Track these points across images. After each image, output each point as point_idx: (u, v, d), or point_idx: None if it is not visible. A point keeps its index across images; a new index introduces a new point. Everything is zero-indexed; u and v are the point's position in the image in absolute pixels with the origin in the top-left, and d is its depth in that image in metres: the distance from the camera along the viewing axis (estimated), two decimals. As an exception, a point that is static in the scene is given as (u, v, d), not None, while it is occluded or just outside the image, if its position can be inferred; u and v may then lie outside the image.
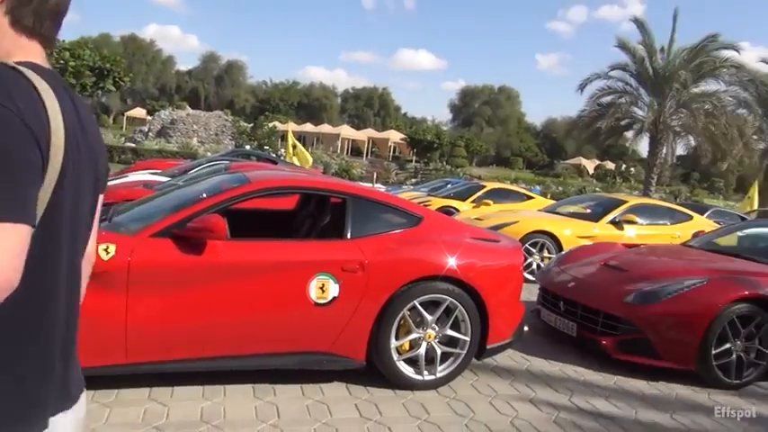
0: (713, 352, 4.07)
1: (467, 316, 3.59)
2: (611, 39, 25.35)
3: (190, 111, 35.45)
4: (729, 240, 6.22)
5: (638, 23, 22.03)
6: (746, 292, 4.15)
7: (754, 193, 21.55)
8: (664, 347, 4.15)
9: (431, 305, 3.55)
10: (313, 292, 3.30)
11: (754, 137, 24.58)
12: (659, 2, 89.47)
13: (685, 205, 16.60)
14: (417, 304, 3.49)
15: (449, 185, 14.16)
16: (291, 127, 32.40)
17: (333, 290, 3.33)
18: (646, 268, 4.79)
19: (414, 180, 28.22)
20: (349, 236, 3.49)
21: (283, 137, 27.77)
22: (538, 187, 22.47)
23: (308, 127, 52.43)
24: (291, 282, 3.25)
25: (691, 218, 8.53)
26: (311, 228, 3.98)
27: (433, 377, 3.59)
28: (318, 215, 4.00)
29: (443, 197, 11.66)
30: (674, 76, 20.81)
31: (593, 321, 4.46)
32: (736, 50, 21.28)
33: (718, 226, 7.83)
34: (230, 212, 3.36)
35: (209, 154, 21.66)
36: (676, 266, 4.82)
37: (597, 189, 33.88)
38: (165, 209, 3.45)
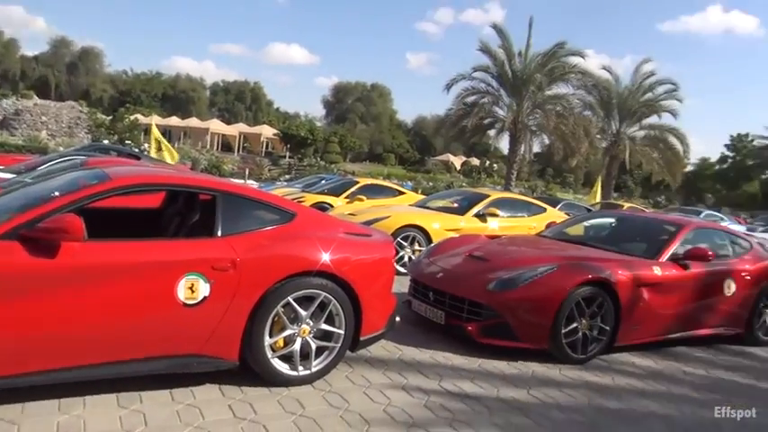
0: (563, 331, 4.50)
1: (341, 310, 3.66)
2: (476, 41, 26.94)
3: (38, 101, 32.24)
4: (577, 230, 6.89)
5: (497, 29, 23.54)
6: (590, 276, 4.63)
7: (598, 187, 23.95)
8: (521, 330, 4.51)
9: (305, 300, 3.56)
10: (181, 292, 3.18)
11: (598, 136, 27.30)
12: (519, 8, 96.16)
13: (541, 199, 18.02)
14: (291, 300, 3.49)
15: (323, 181, 14.19)
16: (156, 120, 30.59)
17: (203, 290, 3.24)
18: (505, 257, 5.16)
19: (287, 176, 27.89)
20: (219, 233, 3.41)
21: (146, 131, 26.18)
22: (410, 183, 23.24)
23: (175, 121, 49.82)
24: (158, 283, 3.11)
25: (545, 210, 9.30)
26: (179, 226, 3.83)
27: (308, 372, 3.61)
28: (186, 213, 3.86)
29: (317, 193, 11.69)
30: (531, 79, 22.50)
31: (460, 309, 4.73)
32: (582, 57, 23.49)
33: (567, 217, 8.60)
34: (89, 212, 3.14)
35: (61, 148, 19.88)
36: (531, 255, 5.25)
37: (464, 184, 35.69)
38: (10, 208, 3.14)
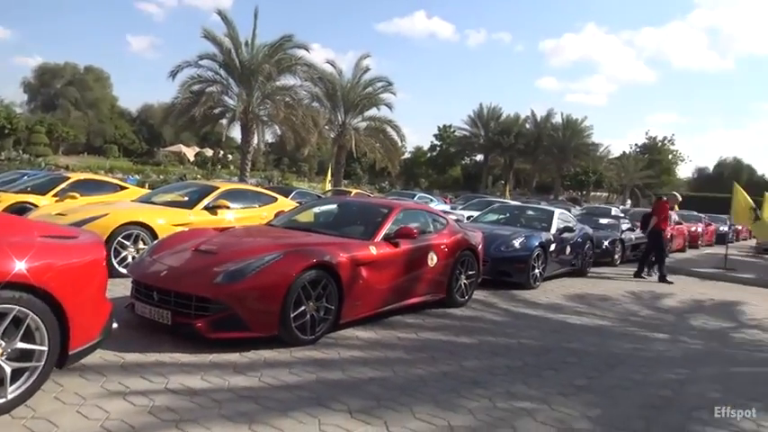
0: (292, 315, 4.68)
1: (41, 324, 3.22)
2: (202, 28, 25.99)
3: None
4: (307, 216, 7.19)
5: (223, 16, 23.14)
6: (314, 260, 4.89)
7: (328, 175, 25.41)
8: (251, 319, 4.56)
9: (-6, 319, 3.06)
10: None
11: (327, 127, 28.86)
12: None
13: (275, 188, 18.38)
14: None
15: (25, 177, 12.25)
16: None
17: None
18: (233, 249, 5.14)
19: (-22, 172, 23.36)
20: None
21: None
22: (135, 177, 21.46)
23: None
24: None
25: (275, 200, 9.50)
26: None
27: (3, 400, 3.12)
28: None
29: (17, 192, 10.04)
30: (259, 70, 22.63)
31: (188, 306, 4.57)
32: (307, 50, 24.47)
33: (297, 205, 8.92)
34: None
35: None
36: (259, 245, 5.32)
37: (198, 176, 34.41)
38: None
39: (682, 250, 18.41)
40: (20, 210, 8.91)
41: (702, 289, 10.73)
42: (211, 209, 8.19)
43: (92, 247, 3.72)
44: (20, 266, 3.13)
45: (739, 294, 10.23)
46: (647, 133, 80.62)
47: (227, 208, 8.29)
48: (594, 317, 7.28)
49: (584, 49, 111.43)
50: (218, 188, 8.77)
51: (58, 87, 69.62)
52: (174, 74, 22.76)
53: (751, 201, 13.51)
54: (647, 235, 11.88)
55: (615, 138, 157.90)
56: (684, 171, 77.83)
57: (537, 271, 8.91)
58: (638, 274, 11.54)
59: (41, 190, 10.11)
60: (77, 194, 9.49)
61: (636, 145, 72.68)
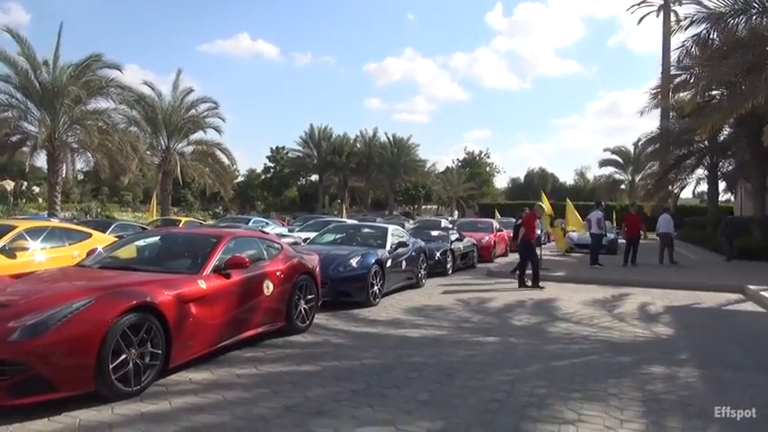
0: (111, 367, 4.15)
1: None
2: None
3: None
4: (128, 252, 6.52)
5: (14, 34, 20.59)
6: (134, 302, 4.40)
7: (153, 203, 23.72)
8: (60, 378, 3.95)
9: None
10: None
11: (148, 152, 26.99)
12: (51, 15, 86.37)
13: (93, 222, 16.67)
14: None
15: None
16: None
17: None
18: (33, 298, 4.44)
19: None
20: None
21: None
22: None
23: None
24: None
25: (89, 236, 8.57)
26: None
27: None
28: None
29: None
30: (64, 92, 20.49)
31: (-21, 373, 3.84)
32: (120, 70, 22.70)
33: (115, 240, 8.11)
34: None
35: None
36: (66, 290, 4.67)
37: (0, 212, 30.09)
38: None
39: (504, 255, 20.06)
40: None
41: (523, 290, 11.69)
42: (8, 252, 7.11)
43: None
44: None
45: (554, 292, 11.31)
46: (465, 149, 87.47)
47: (27, 249, 7.25)
48: (432, 328, 7.53)
49: (405, 72, 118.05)
50: (16, 227, 7.66)
51: None
52: (-46, 97, 19.72)
53: (550, 207, 15.00)
54: (518, 245, 12.30)
55: (439, 154, 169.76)
56: (500, 182, 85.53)
57: (376, 288, 9.04)
58: (521, 284, 11.71)
59: None
60: None
61: (458, 160, 78.61)
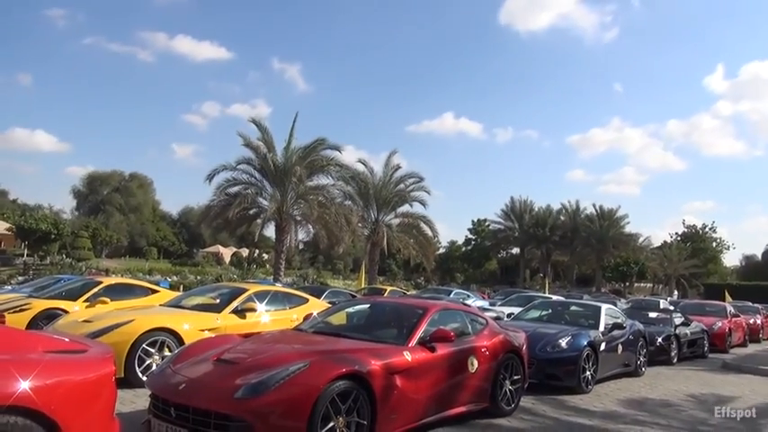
0: (319, 433, 4.20)
1: (38, 452, 2.88)
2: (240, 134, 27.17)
3: None
4: (339, 319, 6.81)
5: (257, 124, 24.11)
6: (344, 370, 4.47)
7: (362, 272, 25.13)
8: (275, 438, 4.10)
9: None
10: None
11: (359, 224, 28.98)
12: (285, 105, 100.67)
13: (310, 287, 18.15)
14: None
15: (61, 282, 12.29)
16: None
17: None
18: (256, 359, 4.76)
19: (21, 278, 23.89)
20: None
21: None
22: (168, 279, 21.55)
23: None
24: None
25: (306, 301, 9.18)
26: None
27: None
28: None
29: (48, 298, 9.96)
30: (292, 171, 23.16)
31: (206, 424, 4.16)
32: (339, 151, 25.11)
33: (329, 306, 8.57)
34: None
35: None
36: (284, 352, 4.94)
37: (235, 276, 34.53)
38: None
39: (743, 345, 17.13)
40: (49, 316, 8.79)
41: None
42: (240, 312, 7.90)
43: (100, 362, 3.42)
44: (24, 387, 2.85)
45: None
46: (684, 222, 78.66)
47: (255, 311, 7.98)
48: (659, 428, 6.48)
49: (611, 142, 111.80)
50: (247, 290, 8.52)
51: (104, 194, 72.84)
52: (210, 177, 23.53)
53: None
54: None
55: (652, 227, 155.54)
56: (730, 259, 74.95)
57: (588, 373, 8.18)
58: None
59: (73, 295, 10.02)
60: (108, 299, 9.34)
61: (676, 234, 71.02)
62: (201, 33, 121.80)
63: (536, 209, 62.15)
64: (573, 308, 11.09)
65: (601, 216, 58.27)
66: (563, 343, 8.15)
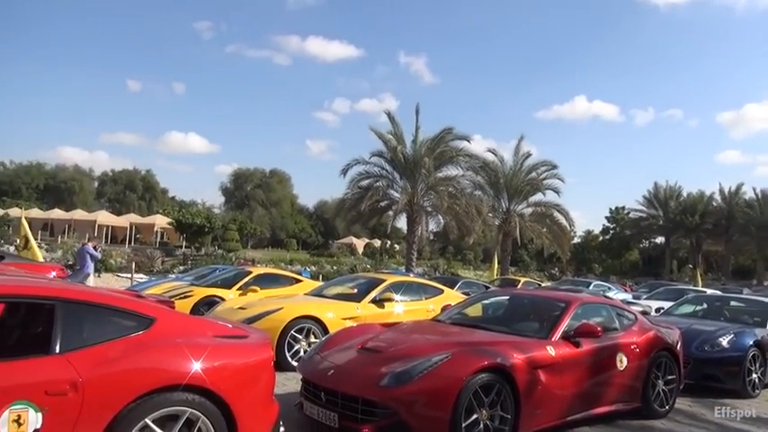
0: (463, 424, 4.21)
1: (211, 426, 3.20)
2: (370, 129, 28.00)
3: None
4: (475, 310, 6.77)
5: (390, 116, 24.59)
6: (486, 363, 4.43)
7: (495, 263, 24.76)
8: (420, 427, 4.17)
9: (168, 420, 3.07)
10: (5, 428, 2.61)
11: (490, 214, 28.54)
12: (412, 98, 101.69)
13: (442, 278, 18.20)
14: (150, 423, 2.99)
15: (216, 272, 13.45)
16: (35, 214, 28.27)
17: (33, 421, 2.68)
18: (399, 348, 4.88)
19: (182, 267, 26.47)
20: (57, 350, 2.89)
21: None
22: (308, 269, 22.76)
23: (58, 213, 46.73)
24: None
25: (441, 292, 9.23)
26: (10, 344, 3.24)
27: None
28: (20, 327, 3.29)
29: (207, 286, 10.96)
30: (421, 163, 23.35)
31: (354, 409, 4.34)
32: (468, 141, 24.88)
33: (465, 297, 8.55)
34: None
35: None
36: (426, 343, 5.01)
37: (368, 266, 35.61)
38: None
39: None
40: (209, 303, 9.66)
41: None
42: (378, 302, 8.13)
43: (260, 347, 3.69)
44: (194, 368, 3.16)
45: None
46: None
47: (393, 301, 8.17)
48: None
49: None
50: (385, 281, 8.75)
51: (248, 189, 78.47)
52: (344, 171, 24.46)
53: None
54: None
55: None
56: None
57: (755, 376, 7.39)
58: None
59: (228, 284, 10.93)
60: (257, 288, 10.07)
61: None
62: (331, 33, 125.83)
63: (685, 194, 57.21)
64: (733, 303, 10.09)
65: (761, 201, 52.26)
66: (724, 341, 7.43)
